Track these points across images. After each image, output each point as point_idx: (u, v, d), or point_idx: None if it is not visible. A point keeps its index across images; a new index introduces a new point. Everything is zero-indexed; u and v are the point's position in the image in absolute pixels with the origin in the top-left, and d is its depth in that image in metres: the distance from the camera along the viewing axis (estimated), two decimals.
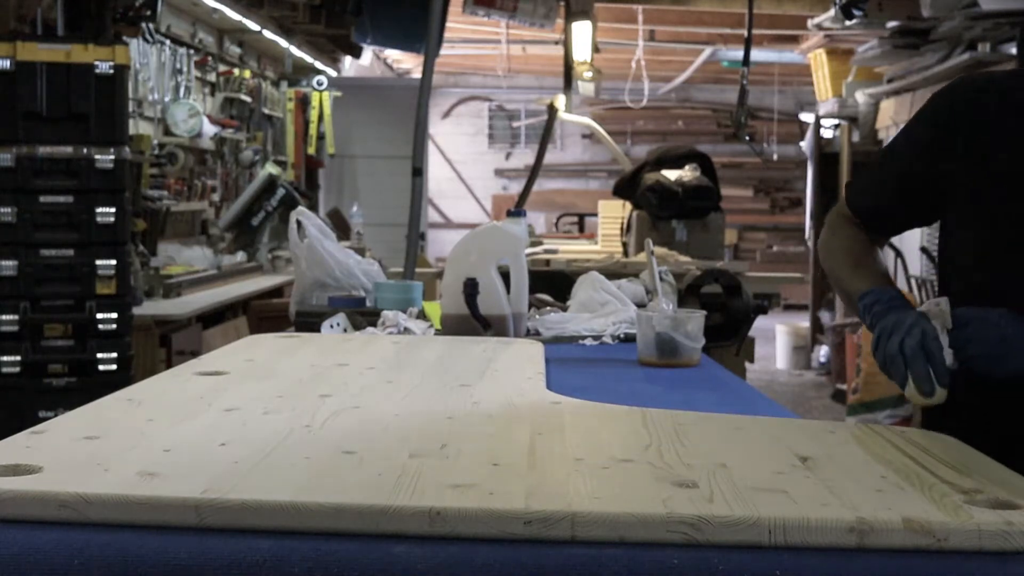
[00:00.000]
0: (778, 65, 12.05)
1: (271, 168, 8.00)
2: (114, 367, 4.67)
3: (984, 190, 1.61)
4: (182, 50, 7.34)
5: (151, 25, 6.16)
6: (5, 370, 4.57)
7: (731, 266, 4.34)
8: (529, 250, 4.22)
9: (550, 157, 11.79)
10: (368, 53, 10.90)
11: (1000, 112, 1.62)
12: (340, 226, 8.44)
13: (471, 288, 2.48)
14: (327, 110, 9.92)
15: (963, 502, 1.07)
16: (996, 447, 1.32)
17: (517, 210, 2.81)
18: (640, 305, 2.76)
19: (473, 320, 2.48)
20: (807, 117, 11.19)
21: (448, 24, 6.97)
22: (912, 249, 8.25)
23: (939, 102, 1.71)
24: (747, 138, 8.01)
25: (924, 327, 1.49)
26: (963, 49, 6.73)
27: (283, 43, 8.76)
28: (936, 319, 1.49)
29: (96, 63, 4.59)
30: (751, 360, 4.26)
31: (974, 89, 1.68)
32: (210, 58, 8.01)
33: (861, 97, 9.00)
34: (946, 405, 1.52)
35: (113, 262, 4.67)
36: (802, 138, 11.24)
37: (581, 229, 8.53)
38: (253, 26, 7.98)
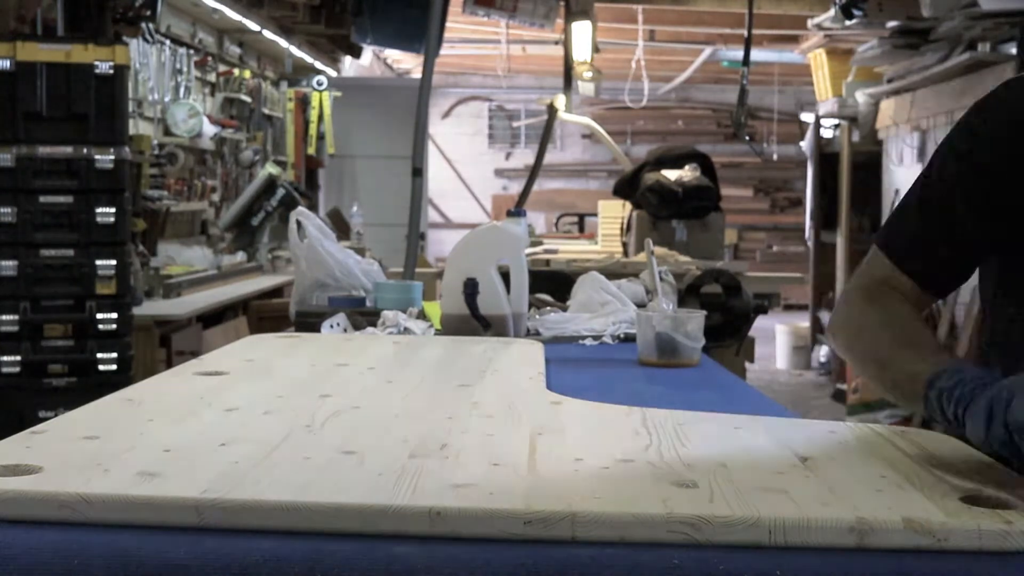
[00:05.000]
0: (778, 65, 12.06)
1: (271, 168, 8.00)
2: (114, 367, 4.67)
3: None
4: (182, 50, 7.34)
5: (151, 25, 6.17)
6: (5, 370, 4.57)
7: (731, 266, 4.34)
8: (529, 250, 4.22)
9: (550, 157, 11.79)
10: (368, 53, 10.91)
11: None
12: (340, 226, 8.43)
13: (471, 288, 2.48)
14: (327, 110, 9.92)
15: (963, 502, 1.07)
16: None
17: (517, 210, 2.81)
18: (640, 305, 2.76)
19: (473, 320, 2.48)
20: (807, 117, 11.19)
21: (448, 24, 6.97)
22: None
23: (982, 115, 1.41)
24: (747, 138, 8.02)
25: None
26: (963, 49, 6.73)
27: (283, 43, 8.76)
28: None
29: (96, 63, 4.59)
30: (751, 360, 4.26)
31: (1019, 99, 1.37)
32: (210, 58, 8.01)
33: (861, 97, 9.00)
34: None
35: (113, 262, 4.67)
36: (802, 138, 11.24)
37: (581, 229, 8.53)
38: (253, 26, 7.98)
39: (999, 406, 1.11)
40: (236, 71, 8.43)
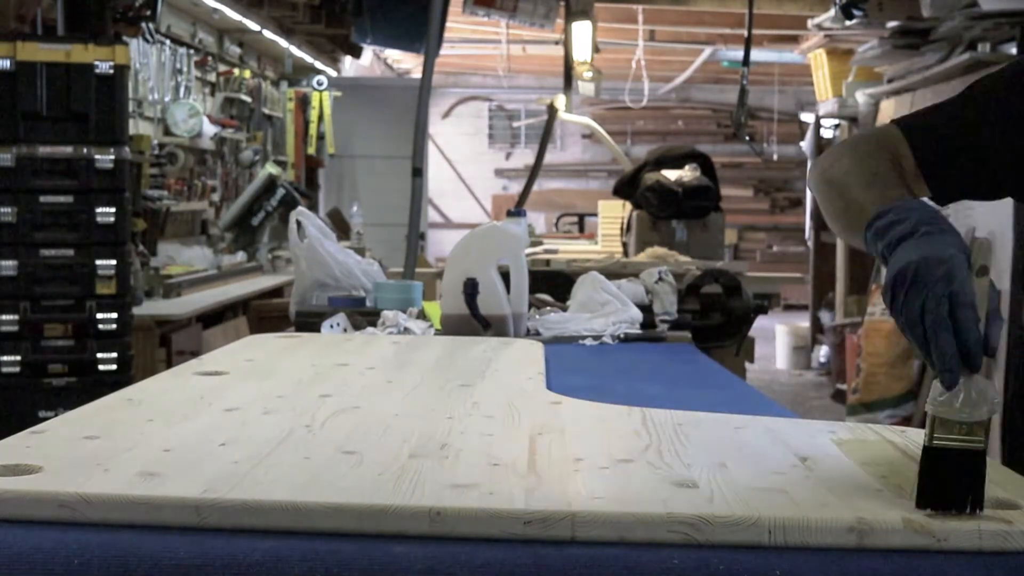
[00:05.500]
0: (778, 65, 12.05)
1: (271, 168, 8.00)
2: (114, 367, 4.67)
3: None
4: (182, 50, 7.34)
5: (151, 25, 6.17)
6: (5, 370, 4.57)
7: (731, 266, 4.34)
8: (529, 250, 4.22)
9: (550, 157, 11.79)
10: (368, 53, 10.91)
11: None
12: (340, 226, 8.43)
13: (471, 288, 2.48)
14: (327, 110, 9.93)
15: None
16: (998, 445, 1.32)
17: (517, 210, 2.81)
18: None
19: (473, 320, 2.48)
20: (807, 117, 11.20)
21: (448, 24, 6.97)
22: None
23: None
24: (747, 138, 8.02)
25: (959, 279, 1.03)
26: (963, 49, 6.73)
27: (283, 43, 8.76)
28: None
29: (96, 63, 4.59)
30: (751, 360, 4.25)
31: None
32: (210, 58, 8.01)
33: (861, 97, 8.99)
34: None
35: (113, 262, 4.67)
36: (802, 138, 11.24)
37: (581, 229, 8.53)
38: (253, 26, 7.98)
39: (900, 286, 1.06)
40: (236, 71, 8.43)
